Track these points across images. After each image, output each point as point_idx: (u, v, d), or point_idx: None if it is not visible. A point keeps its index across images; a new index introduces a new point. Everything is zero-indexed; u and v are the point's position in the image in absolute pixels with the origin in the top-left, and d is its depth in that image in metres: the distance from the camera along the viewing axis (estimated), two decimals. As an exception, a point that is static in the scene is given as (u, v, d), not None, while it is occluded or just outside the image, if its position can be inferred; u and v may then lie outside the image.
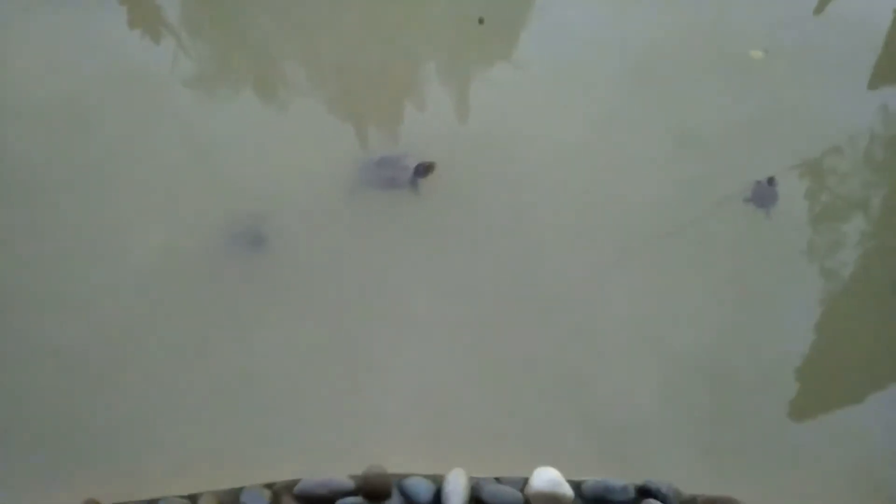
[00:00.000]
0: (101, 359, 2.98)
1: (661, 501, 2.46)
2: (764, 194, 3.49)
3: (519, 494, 2.46)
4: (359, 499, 2.43)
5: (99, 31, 3.94)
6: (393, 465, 2.56)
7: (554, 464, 2.60)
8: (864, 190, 3.65)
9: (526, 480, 2.52)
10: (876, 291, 3.38)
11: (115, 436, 2.82)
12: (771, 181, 3.51)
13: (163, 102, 3.71)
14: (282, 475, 2.54)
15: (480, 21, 4.01)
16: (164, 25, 3.96)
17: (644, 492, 2.50)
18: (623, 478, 2.58)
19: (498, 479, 2.54)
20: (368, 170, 3.47)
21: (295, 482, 2.48)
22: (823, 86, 3.92)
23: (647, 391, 3.02)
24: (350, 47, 4.01)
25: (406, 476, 2.51)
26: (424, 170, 3.43)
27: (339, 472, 2.53)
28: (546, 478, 2.47)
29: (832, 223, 3.54)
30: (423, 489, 2.46)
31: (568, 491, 2.46)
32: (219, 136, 3.60)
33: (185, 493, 2.50)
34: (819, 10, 4.35)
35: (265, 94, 3.85)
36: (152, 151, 3.54)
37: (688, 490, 2.63)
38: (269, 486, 2.50)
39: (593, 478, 2.53)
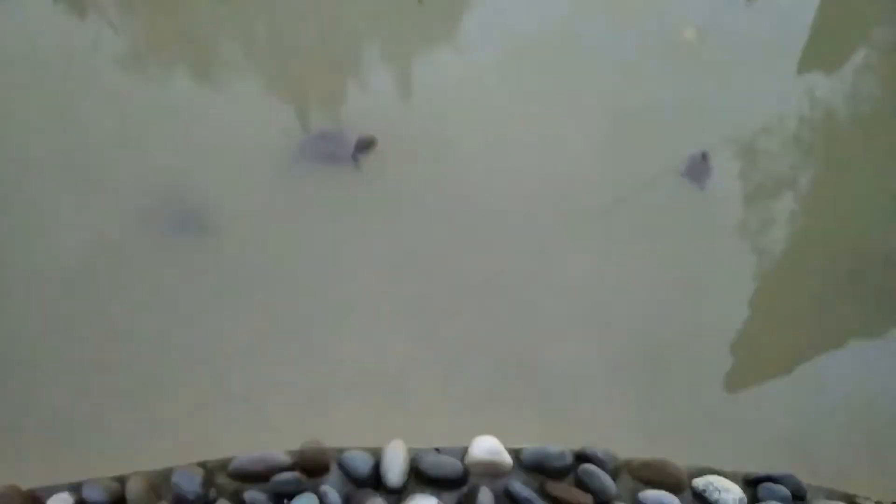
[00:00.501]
0: (29, 346, 2.86)
1: (598, 466, 2.48)
2: (698, 169, 3.57)
3: (458, 463, 2.45)
4: (296, 474, 2.37)
5: (20, 6, 3.78)
6: (332, 440, 2.51)
7: (496, 434, 2.59)
8: (793, 170, 3.77)
9: (466, 450, 2.50)
10: (805, 268, 3.50)
11: (41, 418, 2.70)
12: (704, 156, 3.59)
13: (90, 82, 3.57)
14: (218, 454, 2.46)
15: (420, 1, 3.99)
16: (90, 3, 3.80)
17: (581, 457, 2.53)
18: (564, 444, 2.60)
19: (438, 450, 2.52)
20: (309, 144, 3.41)
21: (229, 460, 2.40)
22: (754, 69, 4.05)
23: (588, 363, 3.06)
24: (288, 26, 3.94)
25: (345, 450, 2.46)
26: (365, 145, 3.38)
27: (277, 449, 2.46)
28: (485, 446, 2.47)
29: (764, 202, 3.65)
30: (361, 462, 2.42)
31: (507, 458, 2.46)
32: (151, 116, 3.49)
33: (113, 475, 2.39)
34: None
35: (200, 74, 3.74)
36: (80, 134, 3.40)
37: (625, 455, 2.66)
38: (202, 464, 2.42)
39: (534, 445, 2.53)
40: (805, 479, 2.78)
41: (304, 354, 2.94)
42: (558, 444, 2.58)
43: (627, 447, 2.71)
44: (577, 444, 2.64)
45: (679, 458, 2.68)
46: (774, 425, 3.05)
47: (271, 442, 2.51)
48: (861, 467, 2.97)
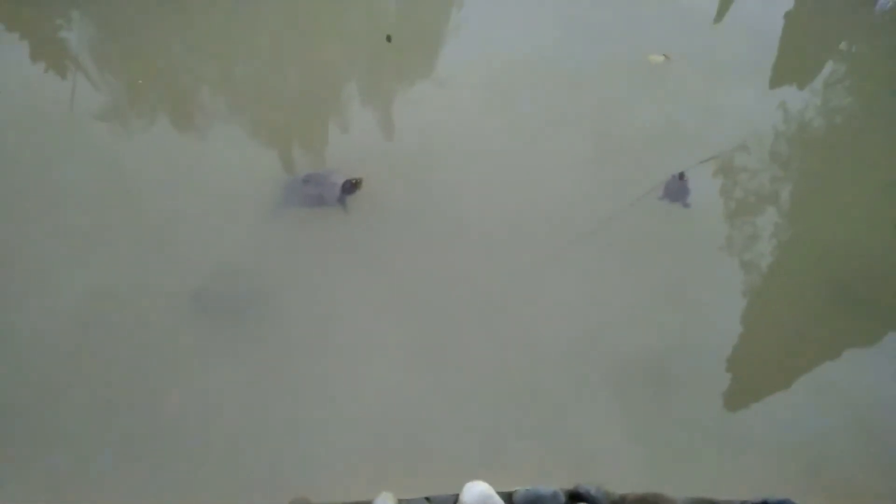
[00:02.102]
0: (28, 400, 2.85)
1: (592, 504, 2.44)
2: (676, 189, 3.59)
3: (450, 512, 2.41)
4: (284, 534, 2.33)
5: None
6: (330, 489, 2.48)
7: (487, 476, 2.56)
8: (773, 184, 3.78)
9: (457, 497, 2.47)
10: (793, 281, 3.48)
11: (28, 473, 2.67)
12: (681, 176, 3.62)
13: (74, 138, 3.63)
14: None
15: (388, 39, 4.06)
16: (69, 59, 3.85)
17: (575, 496, 2.48)
18: (562, 483, 2.56)
19: (428, 499, 2.48)
20: (295, 188, 3.42)
21: (216, 523, 2.37)
22: (728, 88, 4.10)
23: (588, 387, 3.03)
24: (266, 71, 4.01)
25: (332, 505, 2.43)
26: (352, 186, 3.41)
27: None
28: (476, 492, 2.43)
29: (747, 218, 3.65)
30: (350, 517, 2.38)
31: (499, 503, 2.42)
32: (138, 167, 3.54)
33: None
34: (718, 18, 4.57)
35: (181, 123, 3.79)
36: (68, 190, 3.44)
37: (625, 488, 2.61)
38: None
39: (524, 487, 2.49)
40: (816, 495, 2.74)
41: (298, 394, 2.92)
42: (559, 481, 2.55)
43: (630, 474, 2.68)
44: (581, 472, 2.60)
45: (684, 482, 2.65)
46: (779, 442, 3.00)
47: (266, 495, 2.48)
48: (872, 479, 2.91)
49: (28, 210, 3.37)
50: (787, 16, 4.57)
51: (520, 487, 2.49)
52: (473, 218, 3.47)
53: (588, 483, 2.51)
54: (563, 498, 2.46)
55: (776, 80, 4.22)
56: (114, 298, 3.11)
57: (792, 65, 4.33)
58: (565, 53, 4.13)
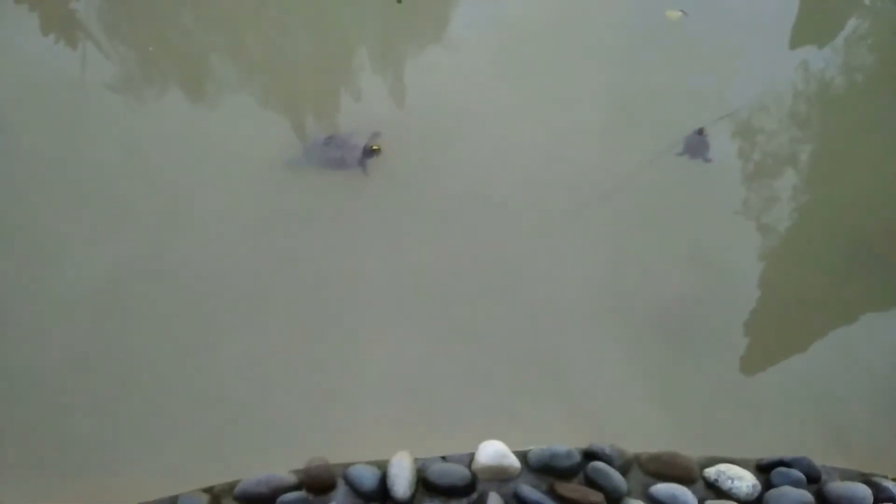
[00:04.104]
0: (47, 378, 2.87)
1: (607, 462, 2.45)
2: (696, 144, 3.54)
3: (465, 471, 2.43)
4: (302, 493, 2.37)
5: (9, 39, 3.83)
6: (351, 451, 2.51)
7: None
8: (792, 146, 3.71)
9: (472, 456, 2.49)
10: (811, 244, 3.44)
11: (42, 447, 2.72)
12: (700, 132, 3.57)
13: (86, 108, 3.62)
14: (222, 478, 2.47)
15: (398, 0, 4.00)
16: (79, 29, 3.84)
17: (589, 455, 2.49)
18: (577, 442, 2.56)
19: (444, 459, 2.50)
20: (316, 150, 3.42)
21: (235, 483, 2.41)
22: (746, 46, 4.00)
23: (607, 351, 3.02)
24: (276, 38, 3.97)
25: (349, 465, 2.46)
26: (372, 152, 3.41)
27: (281, 469, 2.46)
28: (491, 451, 2.45)
29: (765, 180, 3.60)
30: (368, 476, 2.41)
31: (514, 462, 2.44)
32: (151, 136, 3.52)
33: (122, 506, 2.41)
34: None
35: (193, 91, 3.78)
36: (82, 162, 3.43)
37: (640, 447, 2.62)
38: (208, 490, 2.43)
39: (540, 446, 2.50)
40: (833, 455, 2.74)
41: (321, 362, 2.93)
42: (571, 440, 2.55)
43: (645, 433, 2.69)
44: (597, 432, 2.61)
45: (700, 441, 2.66)
46: (797, 402, 3.00)
47: (283, 459, 2.52)
48: (891, 440, 2.90)
49: (40, 183, 3.36)
50: (809, -29, 4.43)
51: (534, 447, 2.50)
52: (489, 183, 3.43)
53: (602, 442, 2.51)
54: (577, 456, 2.47)
55: (797, 38, 4.11)
56: (131, 271, 3.11)
57: (813, 22, 4.21)
58: (579, 12, 4.04)
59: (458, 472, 2.43)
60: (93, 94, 3.68)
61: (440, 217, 3.33)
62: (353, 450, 2.54)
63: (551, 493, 2.42)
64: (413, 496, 2.39)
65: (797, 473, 2.46)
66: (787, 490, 2.44)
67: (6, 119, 3.55)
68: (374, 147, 3.40)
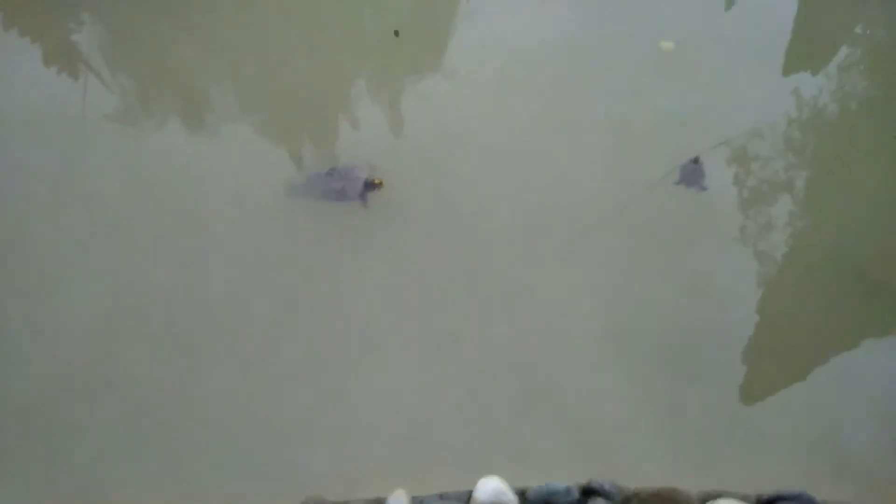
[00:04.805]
0: (45, 406, 2.89)
1: (606, 499, 2.43)
2: (691, 173, 3.56)
3: (463, 508, 2.42)
4: (299, 531, 2.35)
5: (11, 70, 3.87)
6: (333, 492, 2.49)
7: (501, 472, 2.56)
8: (787, 172, 3.73)
9: (470, 494, 2.47)
10: (808, 270, 3.44)
11: (39, 475, 2.71)
12: (696, 160, 3.59)
13: (87, 140, 3.65)
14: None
15: (396, 34, 4.05)
16: (81, 61, 3.89)
17: (588, 491, 2.47)
18: (577, 477, 2.56)
19: (441, 497, 2.48)
20: (318, 181, 3.44)
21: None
22: (740, 74, 4.04)
23: (607, 380, 3.02)
24: (275, 68, 4.01)
25: (346, 503, 2.44)
26: (374, 185, 3.44)
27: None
28: (489, 488, 2.43)
29: (761, 207, 3.61)
30: (365, 514, 2.39)
31: (512, 499, 2.42)
32: (151, 167, 3.55)
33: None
34: (729, 5, 4.50)
35: (193, 122, 3.81)
36: (82, 192, 3.46)
37: (640, 482, 2.60)
38: (205, 529, 2.41)
39: (538, 482, 2.49)
40: (835, 488, 2.71)
41: (318, 395, 2.93)
42: (570, 475, 2.54)
43: (645, 468, 2.67)
44: (596, 467, 2.59)
45: (704, 477, 2.64)
46: (796, 433, 2.98)
47: (279, 496, 2.50)
48: (893, 472, 2.87)
49: (41, 212, 3.39)
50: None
51: (534, 483, 2.48)
52: (488, 210, 3.45)
53: (601, 478, 2.49)
54: (576, 493, 2.45)
55: (790, 65, 4.15)
56: (130, 300, 3.13)
57: (806, 50, 4.25)
58: (576, 43, 4.09)
59: (456, 510, 2.42)
60: (93, 125, 3.72)
61: (437, 245, 3.34)
62: (349, 487, 2.53)
63: (550, 530, 2.40)
64: (410, 534, 2.38)
65: (798, 508, 2.45)
66: (788, 525, 2.42)
67: (7, 148, 3.58)
68: (377, 181, 3.43)
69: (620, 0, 4.41)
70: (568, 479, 2.54)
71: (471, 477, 2.55)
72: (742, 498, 2.52)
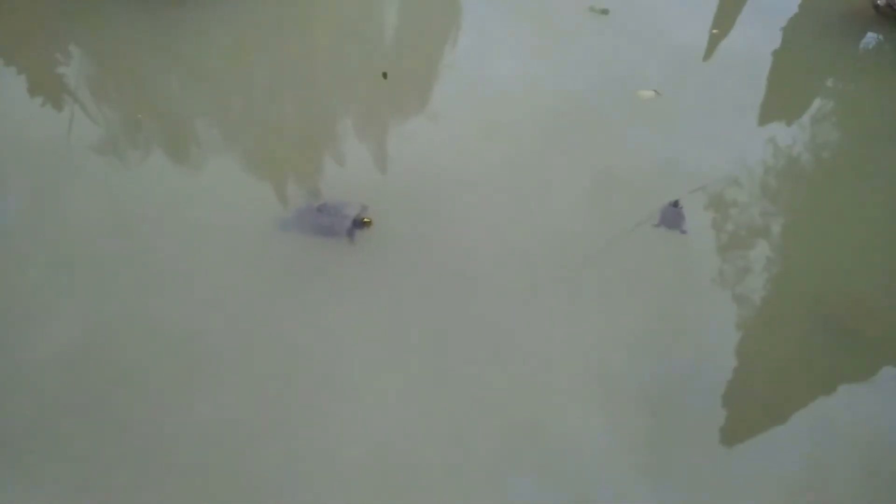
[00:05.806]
0: (23, 434, 2.82)
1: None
2: (671, 216, 3.64)
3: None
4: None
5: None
6: None
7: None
8: (763, 218, 3.81)
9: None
10: (785, 315, 3.48)
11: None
12: (676, 204, 3.66)
13: (71, 170, 3.64)
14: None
15: (384, 76, 4.13)
16: (67, 93, 3.89)
17: (570, 532, 2.43)
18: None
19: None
20: (307, 216, 3.44)
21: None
22: (718, 123, 4.16)
23: (592, 425, 3.00)
24: (262, 106, 4.05)
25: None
26: (362, 223, 3.44)
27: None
28: (470, 529, 2.38)
29: (739, 251, 3.67)
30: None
31: (493, 540, 2.37)
32: (135, 200, 3.54)
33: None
34: (707, 56, 4.67)
35: (179, 156, 3.81)
36: (66, 223, 3.44)
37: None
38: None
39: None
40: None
41: (301, 429, 2.88)
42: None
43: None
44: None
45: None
46: (783, 477, 2.96)
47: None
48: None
49: (24, 243, 3.35)
50: (775, 54, 4.67)
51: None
52: (470, 250, 3.48)
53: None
54: (558, 534, 2.40)
55: (765, 117, 4.29)
56: (110, 331, 3.08)
57: (780, 101, 4.41)
58: (559, 86, 4.20)
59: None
60: (77, 156, 3.70)
61: (420, 285, 3.34)
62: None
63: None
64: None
65: (780, 553, 2.42)
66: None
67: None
68: (366, 220, 3.44)
69: (601, 50, 4.58)
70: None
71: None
72: (725, 542, 2.48)
